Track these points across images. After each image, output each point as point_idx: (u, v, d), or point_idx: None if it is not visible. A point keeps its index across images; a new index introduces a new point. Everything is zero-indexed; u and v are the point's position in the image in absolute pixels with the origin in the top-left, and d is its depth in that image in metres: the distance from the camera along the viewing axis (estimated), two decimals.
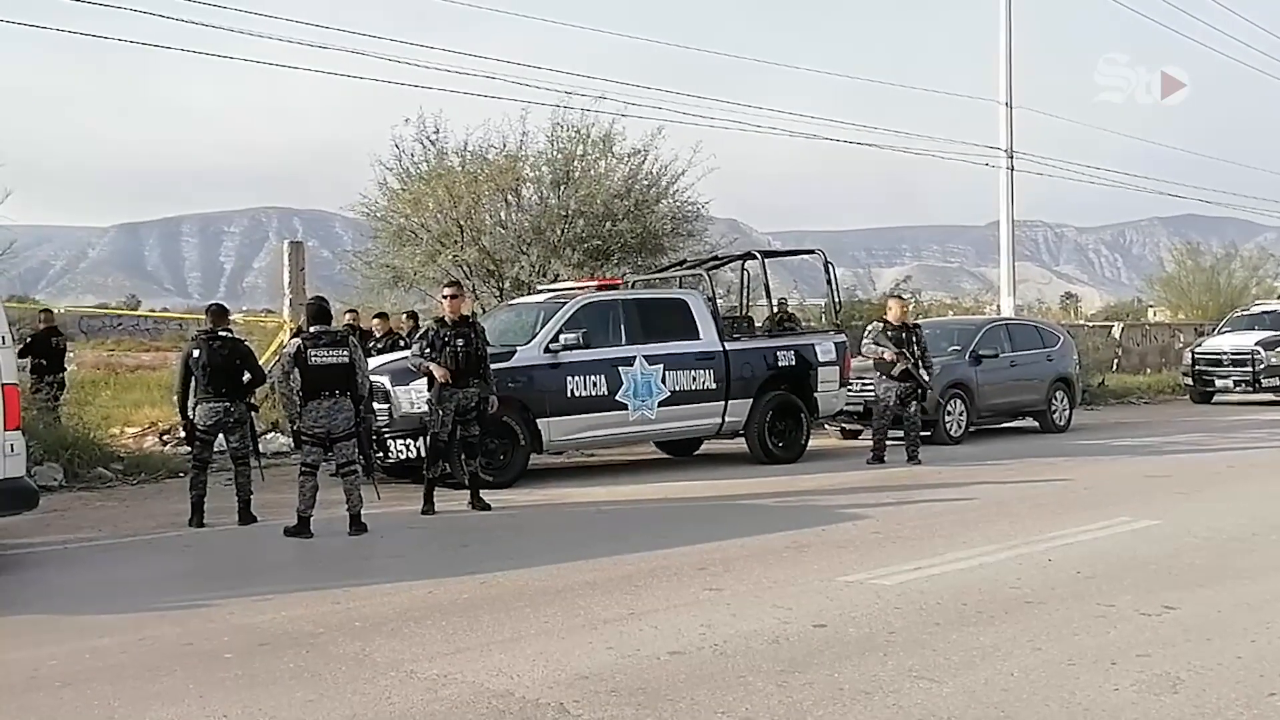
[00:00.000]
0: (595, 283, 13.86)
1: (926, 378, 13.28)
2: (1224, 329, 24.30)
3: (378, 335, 15.18)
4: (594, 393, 12.13)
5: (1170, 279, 39.65)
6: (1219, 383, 22.71)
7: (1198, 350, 23.51)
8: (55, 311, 17.71)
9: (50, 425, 12.92)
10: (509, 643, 5.59)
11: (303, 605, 6.55)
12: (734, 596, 6.50)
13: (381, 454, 11.13)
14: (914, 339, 13.25)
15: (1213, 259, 38.52)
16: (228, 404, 9.56)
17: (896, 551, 7.73)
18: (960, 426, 15.74)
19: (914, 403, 13.21)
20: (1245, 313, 25.11)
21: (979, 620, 5.83)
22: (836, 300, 15.54)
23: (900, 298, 15.30)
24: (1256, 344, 22.29)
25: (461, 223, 17.67)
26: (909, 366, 13.08)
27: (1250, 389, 22.25)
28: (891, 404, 13.16)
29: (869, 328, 13.88)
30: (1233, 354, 22.56)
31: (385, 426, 11.24)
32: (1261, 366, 22.05)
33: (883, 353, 13.24)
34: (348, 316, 15.33)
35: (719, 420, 13.17)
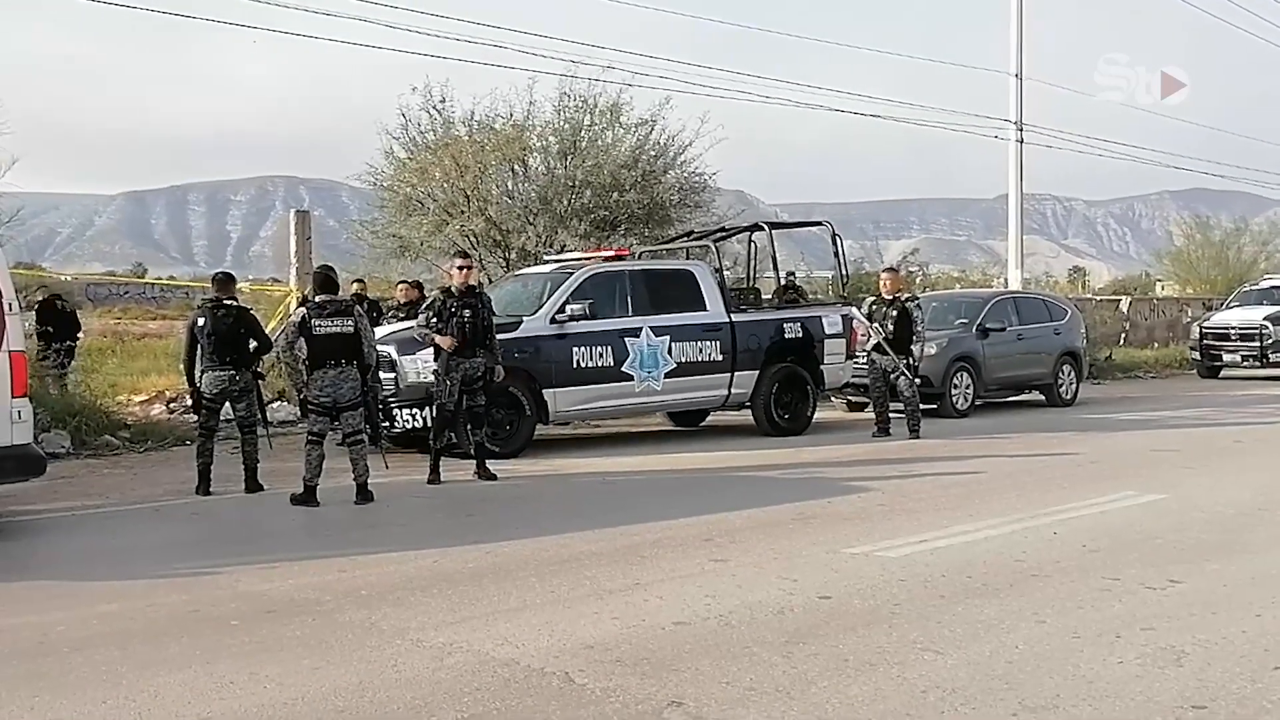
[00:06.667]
0: (602, 253, 13.82)
1: (917, 352, 13.13)
2: (1232, 304, 24.22)
3: (401, 302, 15.05)
4: (600, 363, 12.13)
5: (1179, 253, 39.49)
6: (1226, 357, 22.68)
7: (1205, 325, 23.46)
8: (63, 278, 17.68)
9: (58, 393, 12.95)
10: (514, 612, 5.61)
11: (309, 573, 6.58)
12: (739, 567, 6.51)
13: (388, 423, 11.16)
14: (899, 312, 12.98)
15: (1222, 233, 38.29)
16: (234, 372, 9.57)
17: (902, 524, 7.73)
18: (967, 400, 15.72)
19: (901, 377, 12.99)
20: (1254, 287, 25.01)
21: (984, 593, 5.84)
22: (844, 272, 15.53)
23: (893, 270, 15.08)
24: (1265, 319, 22.21)
25: (468, 192, 17.64)
26: (880, 340, 13.01)
27: (1258, 364, 22.20)
28: (877, 377, 13.15)
29: (865, 301, 13.88)
30: (1240, 329, 22.50)
31: (392, 396, 11.27)
32: (1269, 341, 21.98)
33: (858, 327, 13.50)
34: (354, 286, 15.30)
35: (725, 392, 13.17)
